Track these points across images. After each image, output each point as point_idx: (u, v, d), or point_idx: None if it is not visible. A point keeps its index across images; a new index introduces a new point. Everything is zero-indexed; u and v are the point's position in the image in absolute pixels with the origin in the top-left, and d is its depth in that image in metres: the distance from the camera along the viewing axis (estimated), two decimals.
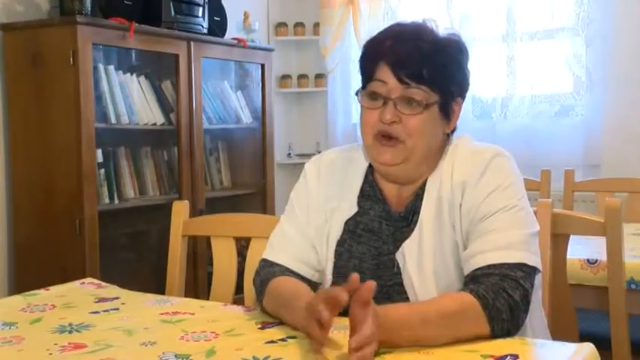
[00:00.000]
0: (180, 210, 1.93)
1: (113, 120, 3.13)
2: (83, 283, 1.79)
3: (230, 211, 2.39)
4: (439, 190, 1.42)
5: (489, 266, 1.30)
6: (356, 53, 4.07)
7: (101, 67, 3.10)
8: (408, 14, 4.17)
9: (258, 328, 1.35)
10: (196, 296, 2.48)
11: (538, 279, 1.37)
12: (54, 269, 2.88)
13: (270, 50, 3.99)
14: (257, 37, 3.99)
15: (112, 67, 3.16)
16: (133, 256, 3.42)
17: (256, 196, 3.94)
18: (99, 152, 3.06)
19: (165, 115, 3.40)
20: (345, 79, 4.50)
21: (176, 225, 1.92)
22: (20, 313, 1.51)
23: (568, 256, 1.79)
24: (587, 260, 2.04)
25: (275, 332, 1.32)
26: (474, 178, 1.38)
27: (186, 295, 1.84)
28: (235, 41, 3.69)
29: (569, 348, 1.18)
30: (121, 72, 3.23)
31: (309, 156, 1.81)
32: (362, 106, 1.44)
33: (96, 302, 1.59)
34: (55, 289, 1.71)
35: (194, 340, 1.29)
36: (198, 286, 3.35)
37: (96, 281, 1.80)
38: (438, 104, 1.41)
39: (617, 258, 1.72)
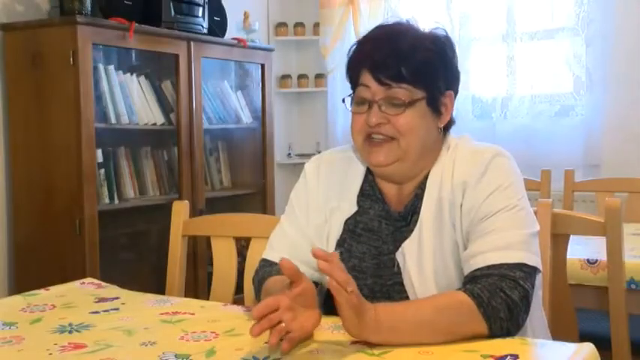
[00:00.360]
0: (180, 210, 1.93)
1: (113, 120, 3.13)
2: (83, 283, 1.79)
3: (230, 211, 2.39)
4: (439, 190, 1.42)
5: (489, 267, 1.30)
6: None
7: (101, 67, 3.10)
8: (408, 14, 4.17)
9: None
10: (196, 296, 2.48)
11: (538, 279, 1.37)
12: (54, 269, 2.88)
13: (270, 50, 4.00)
14: (257, 37, 3.99)
15: (112, 67, 3.16)
16: (133, 256, 3.42)
17: (256, 196, 3.94)
18: (99, 152, 3.06)
19: (165, 115, 3.40)
20: (345, 79, 4.49)
21: (176, 225, 1.92)
22: (20, 313, 1.51)
23: (568, 256, 1.79)
24: (587, 260, 2.04)
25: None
26: (474, 178, 1.39)
27: (186, 295, 1.84)
28: (235, 41, 3.69)
29: (569, 348, 1.18)
30: (121, 72, 3.23)
31: (309, 156, 1.82)
32: (351, 112, 1.46)
33: (96, 302, 1.59)
34: (55, 289, 1.71)
35: (194, 340, 1.29)
36: (198, 286, 3.35)
37: (96, 281, 1.80)
38: (425, 100, 1.41)
39: (617, 258, 1.72)
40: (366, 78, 1.42)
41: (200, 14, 3.44)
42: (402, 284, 1.41)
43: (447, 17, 4.10)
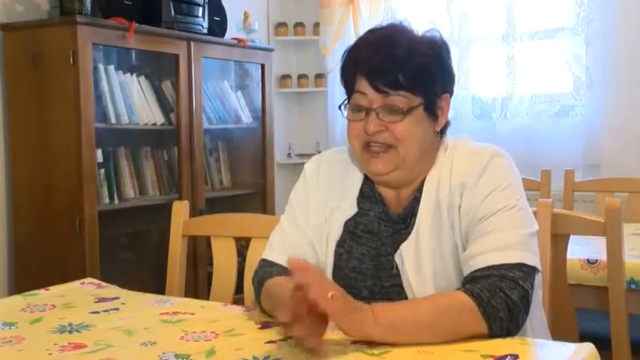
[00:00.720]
0: (180, 210, 1.93)
1: (113, 120, 3.13)
2: (83, 283, 1.79)
3: (230, 211, 2.39)
4: (437, 192, 1.42)
5: (489, 267, 1.30)
6: None
7: (101, 67, 3.11)
8: (408, 14, 4.18)
9: (258, 328, 1.35)
10: (196, 296, 2.48)
11: (538, 279, 1.37)
12: (54, 269, 2.88)
13: (270, 50, 4.00)
14: (257, 37, 3.99)
15: (112, 67, 3.16)
16: (133, 256, 3.43)
17: (256, 196, 3.94)
18: (99, 152, 3.06)
19: (165, 115, 3.40)
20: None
21: (176, 225, 1.92)
22: (20, 313, 1.51)
23: (568, 256, 1.79)
24: (587, 260, 2.04)
25: (275, 332, 1.32)
26: (472, 179, 1.38)
27: (186, 295, 1.84)
28: (235, 41, 3.69)
29: (569, 348, 1.18)
30: (121, 72, 3.23)
31: (309, 156, 1.81)
32: (347, 119, 1.45)
33: (96, 302, 1.59)
34: (55, 289, 1.71)
35: (194, 340, 1.29)
36: (198, 286, 3.35)
37: (96, 281, 1.80)
38: (422, 106, 1.40)
39: (617, 258, 1.72)
40: (363, 85, 1.40)
41: (200, 14, 3.44)
42: (400, 286, 1.41)
43: (446, 17, 4.10)
